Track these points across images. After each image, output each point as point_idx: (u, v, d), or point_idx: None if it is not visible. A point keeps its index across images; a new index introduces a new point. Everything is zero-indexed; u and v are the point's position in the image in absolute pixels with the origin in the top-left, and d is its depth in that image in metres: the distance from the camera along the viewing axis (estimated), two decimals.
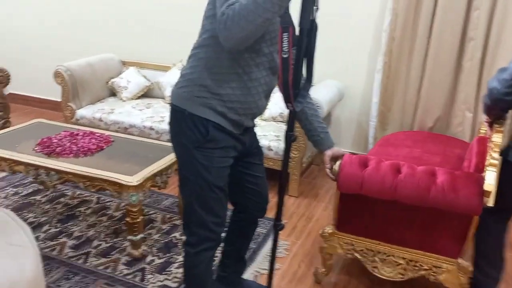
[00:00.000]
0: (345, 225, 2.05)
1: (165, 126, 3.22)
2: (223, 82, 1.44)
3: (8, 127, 3.55)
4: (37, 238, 2.41)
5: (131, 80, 3.72)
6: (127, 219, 2.22)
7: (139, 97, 3.74)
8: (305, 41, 1.33)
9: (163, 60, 3.84)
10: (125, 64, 3.90)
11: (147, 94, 3.78)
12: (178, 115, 1.52)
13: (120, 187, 2.15)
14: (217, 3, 1.31)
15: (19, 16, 4.41)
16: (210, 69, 1.44)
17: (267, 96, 1.58)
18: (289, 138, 1.44)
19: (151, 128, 3.26)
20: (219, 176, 1.56)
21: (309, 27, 1.32)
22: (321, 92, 2.99)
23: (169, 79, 3.64)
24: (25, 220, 2.58)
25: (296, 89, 1.36)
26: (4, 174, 3.02)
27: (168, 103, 3.55)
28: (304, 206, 2.94)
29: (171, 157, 2.41)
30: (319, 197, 3.07)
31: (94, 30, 4.15)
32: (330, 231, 2.08)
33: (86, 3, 4.11)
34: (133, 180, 2.13)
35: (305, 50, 1.34)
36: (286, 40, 1.31)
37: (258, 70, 1.46)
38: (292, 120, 1.44)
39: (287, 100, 1.38)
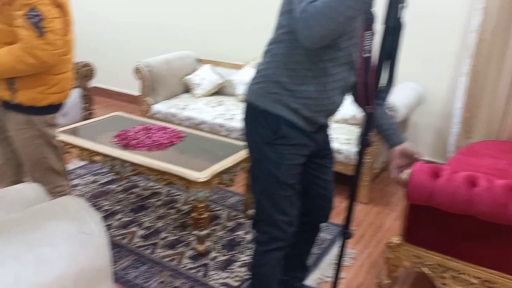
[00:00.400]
0: (414, 236, 1.92)
1: (235, 124, 3.23)
2: (297, 78, 1.41)
3: (92, 118, 3.79)
4: (110, 226, 2.53)
5: (205, 78, 3.80)
6: (194, 214, 2.25)
7: (211, 94, 3.80)
8: (389, 41, 1.24)
9: (237, 58, 3.87)
10: (200, 61, 3.98)
11: (219, 91, 3.84)
12: (251, 111, 1.51)
13: (188, 182, 2.19)
14: None
15: (106, 14, 4.68)
16: (285, 65, 1.41)
17: (343, 93, 1.51)
18: (364, 142, 1.36)
19: (221, 125, 3.29)
20: (289, 174, 1.53)
21: (395, 26, 1.23)
22: (399, 95, 2.83)
23: (242, 77, 3.65)
24: (100, 207, 2.72)
25: (376, 91, 1.28)
26: (85, 162, 3.21)
27: (241, 101, 3.60)
28: (374, 214, 2.80)
29: (239, 155, 2.40)
30: (390, 205, 2.92)
31: (173, 27, 4.30)
32: (397, 241, 1.96)
33: (166, 2, 4.26)
34: (201, 176, 2.15)
35: (388, 50, 1.26)
36: (368, 39, 1.23)
37: (334, 66, 1.40)
38: (368, 123, 1.35)
39: (366, 102, 1.30)
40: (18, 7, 1.62)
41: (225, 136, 3.21)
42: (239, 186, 2.97)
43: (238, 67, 3.81)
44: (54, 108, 1.89)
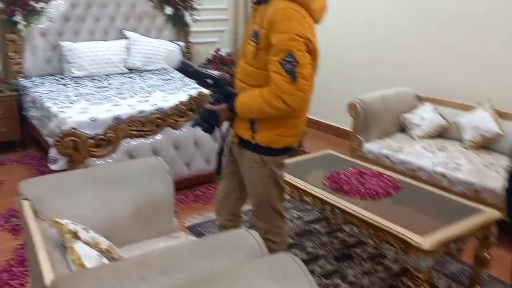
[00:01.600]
0: None
1: (460, 175, 2.77)
2: None
3: (302, 149, 3.81)
4: (312, 272, 2.40)
5: (425, 117, 3.42)
6: (409, 283, 1.93)
7: (432, 137, 3.39)
8: None
9: (465, 98, 3.37)
10: (420, 99, 3.62)
11: (442, 134, 3.39)
12: None
13: (407, 247, 1.89)
14: None
15: (324, 48, 4.74)
16: None
17: None
18: None
19: (443, 175, 2.86)
20: None
21: None
22: None
23: (471, 121, 3.15)
24: (303, 248, 2.64)
25: None
26: None
27: (466, 147, 3.02)
28: None
29: (472, 221, 1.99)
30: None
31: (392, 61, 4.05)
32: None
33: (385, 36, 4.05)
34: (425, 243, 1.83)
35: None
36: None
37: None
38: None
39: None
40: (274, 52, 1.65)
41: (447, 188, 2.78)
42: (465, 254, 2.49)
43: (467, 108, 3.30)
44: (286, 150, 1.88)
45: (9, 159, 3.87)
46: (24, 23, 3.93)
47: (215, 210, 2.18)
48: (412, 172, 3.03)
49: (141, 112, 3.15)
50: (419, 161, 3.03)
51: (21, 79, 4.05)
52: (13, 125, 3.94)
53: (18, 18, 3.87)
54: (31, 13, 3.97)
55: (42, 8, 4.04)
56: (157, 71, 4.52)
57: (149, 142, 3.12)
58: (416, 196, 2.31)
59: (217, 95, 1.83)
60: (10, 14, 3.84)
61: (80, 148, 2.87)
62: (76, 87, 3.82)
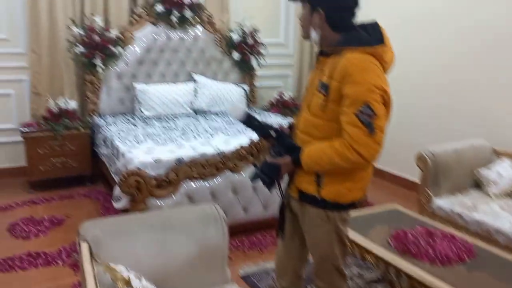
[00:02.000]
0: None
1: None
2: None
3: (366, 201, 3.62)
4: None
5: (503, 174, 3.14)
6: None
7: (511, 196, 3.09)
8: None
9: None
10: (497, 153, 3.35)
11: None
12: None
13: None
14: None
15: (398, 91, 4.59)
16: None
17: None
18: None
19: None
20: None
21: None
22: None
23: None
24: None
25: None
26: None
27: None
28: None
29: None
30: None
31: (463, 110, 3.82)
32: None
33: (458, 81, 3.85)
34: None
35: None
36: None
37: None
38: None
39: None
40: (349, 103, 1.59)
41: None
42: None
43: None
44: (352, 205, 1.78)
45: (78, 193, 4.06)
46: (103, 66, 4.21)
47: (276, 271, 2.07)
48: (488, 234, 2.75)
49: (203, 155, 3.19)
50: (496, 222, 2.75)
51: (95, 117, 4.30)
52: (85, 160, 4.15)
53: (97, 61, 4.15)
54: (110, 57, 4.25)
55: (120, 52, 4.31)
56: (221, 113, 4.61)
57: (208, 185, 3.13)
58: (493, 264, 2.08)
59: (277, 148, 1.78)
60: (91, 57, 4.13)
61: (143, 188, 2.93)
62: (145, 127, 3.98)
